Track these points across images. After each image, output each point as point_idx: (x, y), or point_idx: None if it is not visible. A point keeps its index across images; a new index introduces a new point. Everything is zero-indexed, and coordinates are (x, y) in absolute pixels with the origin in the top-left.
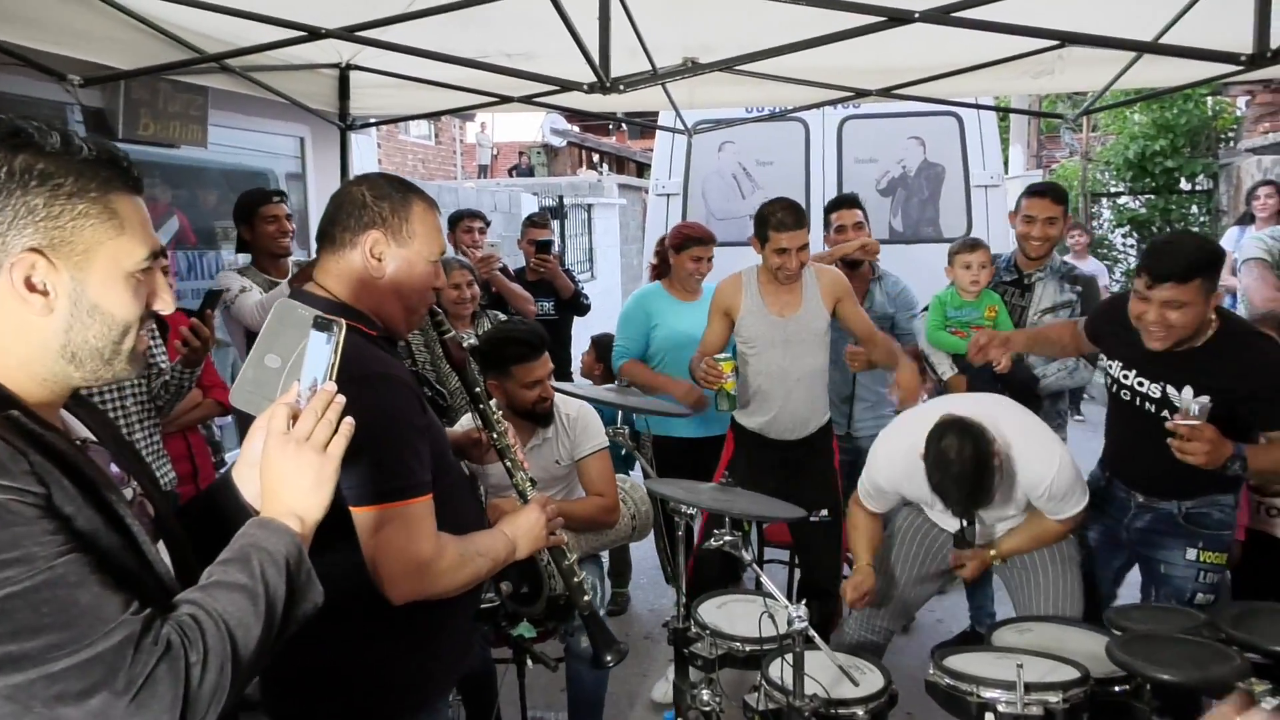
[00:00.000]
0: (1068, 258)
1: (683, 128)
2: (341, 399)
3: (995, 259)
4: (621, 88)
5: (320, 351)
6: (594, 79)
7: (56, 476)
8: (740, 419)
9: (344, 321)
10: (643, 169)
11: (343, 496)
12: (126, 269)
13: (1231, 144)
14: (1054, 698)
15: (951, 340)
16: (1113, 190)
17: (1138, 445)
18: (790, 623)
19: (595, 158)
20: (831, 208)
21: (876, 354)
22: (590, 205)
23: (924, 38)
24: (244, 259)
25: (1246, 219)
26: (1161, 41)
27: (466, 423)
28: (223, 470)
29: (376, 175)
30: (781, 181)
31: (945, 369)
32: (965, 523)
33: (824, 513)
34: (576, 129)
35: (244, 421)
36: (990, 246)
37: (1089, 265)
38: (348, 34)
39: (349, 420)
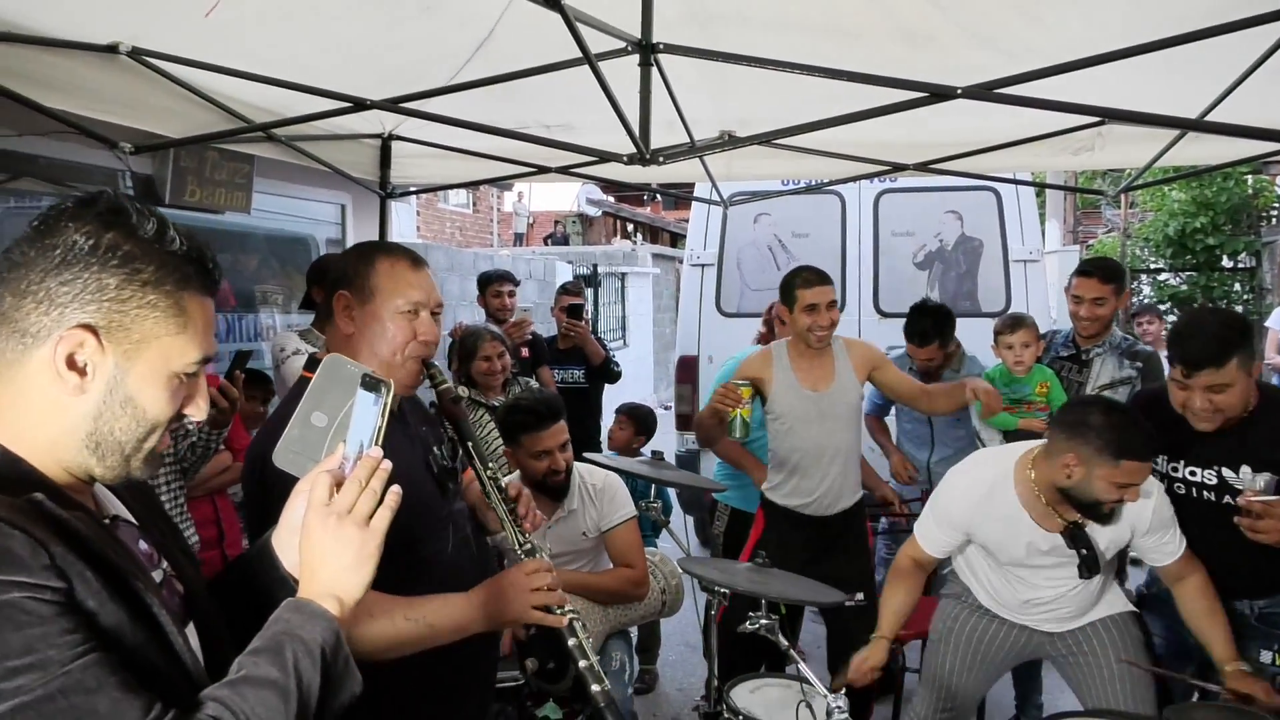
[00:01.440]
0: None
1: (719, 199)
2: (388, 465)
3: (1053, 334)
4: (661, 160)
5: (367, 413)
6: (633, 150)
7: (80, 569)
8: (773, 496)
9: (392, 382)
10: (677, 239)
11: None
12: (174, 369)
13: (1274, 222)
14: None
15: (1003, 417)
16: (1153, 267)
17: (1200, 540)
18: (830, 714)
19: (630, 227)
20: (908, 335)
21: (940, 404)
22: (624, 274)
23: (962, 113)
24: (304, 322)
25: None
26: (1207, 119)
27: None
28: (262, 537)
29: (365, 242)
30: (817, 254)
31: (996, 444)
32: (1085, 552)
33: (859, 596)
34: (611, 199)
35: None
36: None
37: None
38: (391, 105)
39: (395, 490)
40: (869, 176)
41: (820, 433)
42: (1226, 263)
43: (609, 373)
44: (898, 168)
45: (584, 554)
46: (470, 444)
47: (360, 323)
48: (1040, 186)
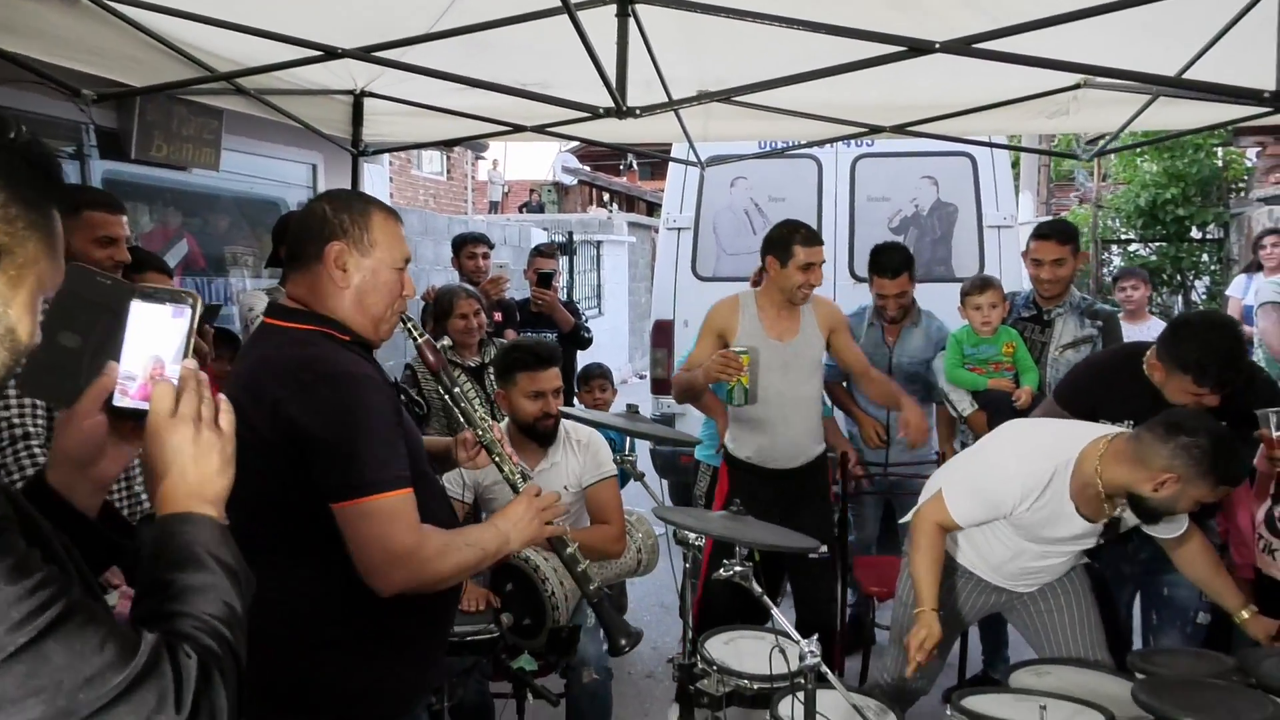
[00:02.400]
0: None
1: (696, 160)
2: (204, 377)
3: (1014, 296)
4: (638, 112)
5: (165, 328)
6: (611, 104)
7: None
8: (734, 449)
9: (198, 295)
10: (653, 208)
11: (310, 501)
12: (46, 294)
13: (1243, 194)
14: None
15: (970, 377)
16: (1123, 237)
17: None
18: (803, 658)
19: (606, 197)
20: (878, 271)
21: (872, 390)
22: (600, 242)
23: (939, 74)
24: (273, 282)
25: (1253, 267)
26: (1184, 78)
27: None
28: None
29: (337, 190)
30: (794, 218)
31: (965, 406)
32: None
33: (824, 549)
34: (588, 168)
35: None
36: (1004, 285)
37: (1153, 326)
38: (363, 54)
39: (223, 397)
40: (846, 139)
41: (784, 382)
42: (1196, 234)
43: (579, 339)
44: (874, 130)
45: (565, 508)
46: (457, 389)
47: (357, 275)
48: (1016, 149)
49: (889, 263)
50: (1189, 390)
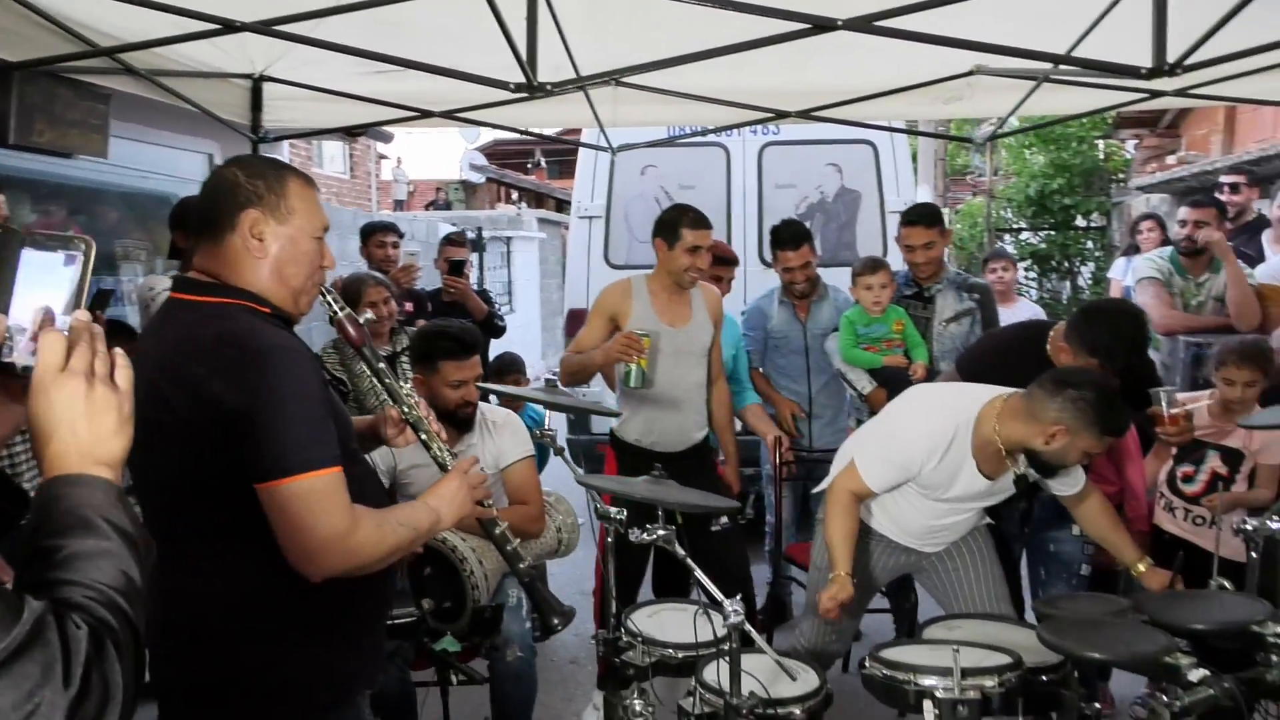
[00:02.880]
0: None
1: (606, 145)
2: (98, 329)
3: (895, 275)
4: (549, 88)
5: (53, 276)
6: (522, 79)
7: None
8: (621, 432)
9: (91, 240)
10: (562, 205)
11: (234, 484)
12: None
13: (1122, 184)
14: (990, 682)
15: (867, 356)
16: (1015, 226)
17: None
18: (726, 617)
19: (514, 195)
20: (779, 245)
21: (715, 399)
22: (509, 239)
23: (842, 59)
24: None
25: (1132, 250)
26: (1071, 55)
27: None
28: None
29: (247, 155)
30: (703, 205)
31: (864, 384)
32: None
33: (724, 521)
34: (494, 166)
35: None
36: (891, 265)
37: (1021, 308)
38: (264, 28)
39: (119, 351)
40: (753, 124)
41: (674, 368)
42: (1081, 222)
43: (493, 328)
44: (780, 115)
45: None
46: (380, 365)
47: (275, 245)
48: (915, 134)
49: (788, 235)
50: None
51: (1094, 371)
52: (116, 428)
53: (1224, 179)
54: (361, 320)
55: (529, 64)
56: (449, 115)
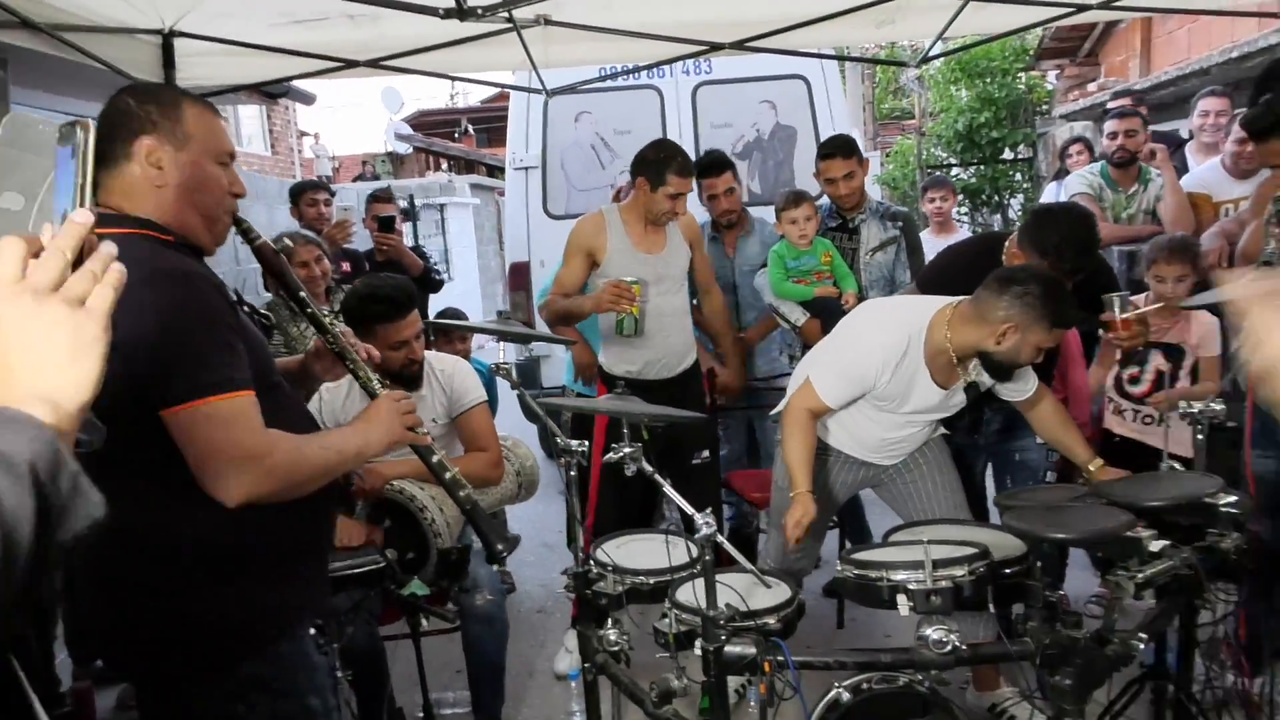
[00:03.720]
0: (926, 232)
1: (540, 87)
2: (89, 225)
3: (819, 208)
4: (480, 11)
5: (66, 173)
6: (451, 3)
7: None
8: (610, 366)
9: (89, 121)
10: (494, 172)
11: (146, 416)
12: None
13: (1046, 115)
14: (960, 571)
15: (798, 289)
16: (946, 163)
17: None
18: (698, 529)
19: (444, 164)
20: (703, 173)
21: (709, 308)
22: (443, 205)
23: None
24: None
25: (1061, 174)
26: None
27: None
28: None
29: (141, 82)
30: (668, 140)
31: (797, 316)
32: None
33: (705, 454)
34: (421, 136)
35: None
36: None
37: (960, 237)
38: None
39: (117, 267)
40: (687, 57)
41: (657, 295)
42: (1008, 155)
43: (430, 282)
44: (715, 47)
45: (436, 441)
46: (302, 293)
47: (175, 172)
48: (848, 60)
49: (709, 161)
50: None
51: (1037, 267)
52: (67, 358)
53: (1109, 122)
54: (279, 247)
55: None
56: (374, 64)
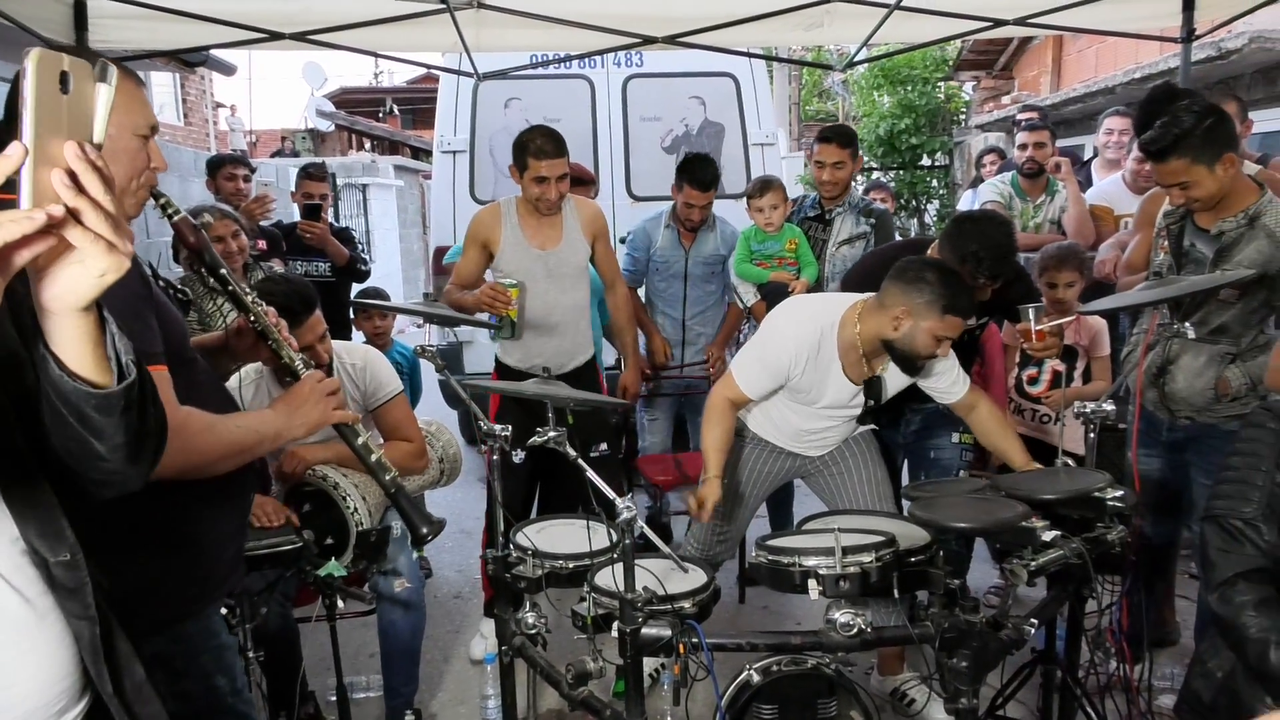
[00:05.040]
0: None
1: (471, 70)
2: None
3: (804, 199)
4: None
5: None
6: None
7: None
8: (504, 357)
9: (109, 63)
10: (419, 154)
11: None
12: None
13: (963, 124)
14: (868, 558)
15: (756, 271)
16: (867, 166)
17: None
18: (618, 514)
19: (367, 144)
20: (691, 181)
21: (613, 302)
22: (365, 186)
23: None
24: None
25: (977, 182)
26: None
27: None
28: None
29: (58, 43)
30: (570, 138)
31: (749, 297)
32: (876, 398)
33: (603, 447)
34: (344, 114)
35: None
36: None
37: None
38: None
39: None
40: (619, 49)
41: (549, 290)
42: (926, 161)
43: (356, 273)
44: (647, 40)
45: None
46: (223, 270)
47: None
48: (777, 60)
49: (704, 176)
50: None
51: (933, 258)
52: None
53: (1019, 134)
54: (198, 222)
55: None
56: (300, 37)
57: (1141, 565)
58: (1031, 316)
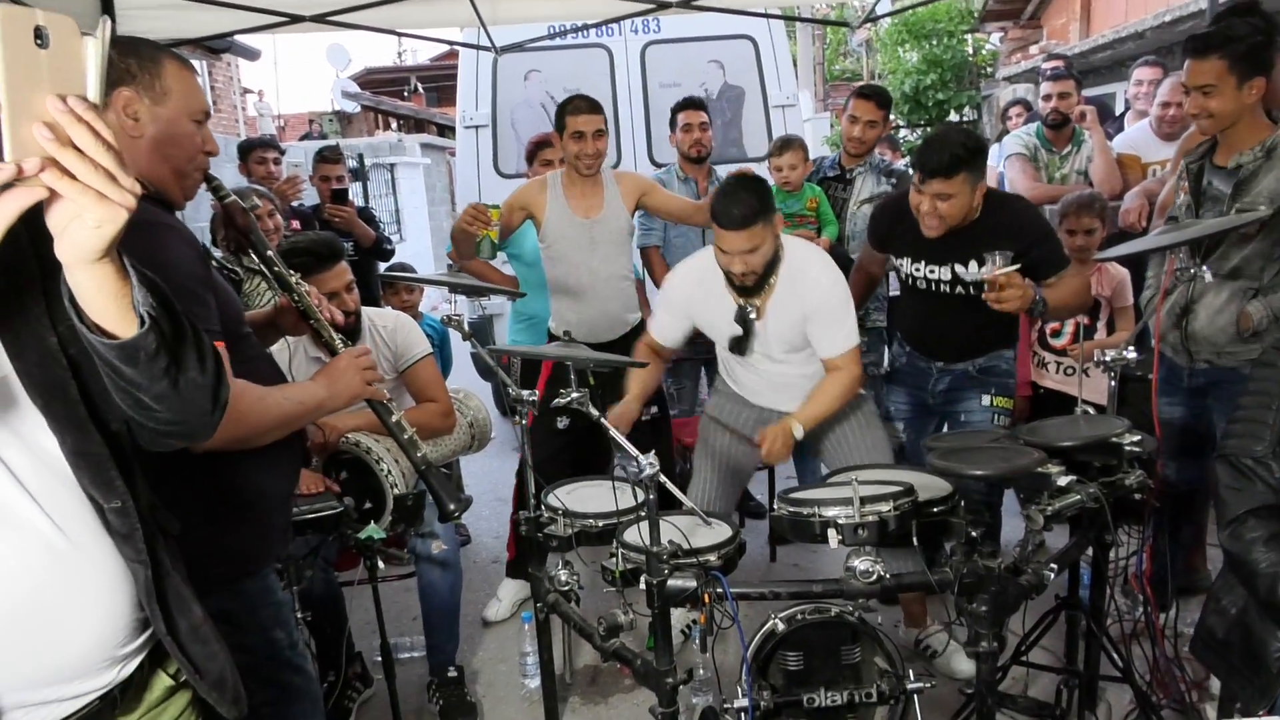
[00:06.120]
0: None
1: (490, 44)
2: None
3: (823, 159)
4: None
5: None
6: None
7: None
8: (553, 326)
9: (107, 19)
10: (444, 131)
11: None
12: None
13: (990, 77)
14: (886, 507)
15: None
16: (894, 125)
17: (934, 321)
18: (642, 469)
19: (393, 123)
20: (679, 108)
21: (701, 218)
22: (393, 165)
23: None
24: None
25: (1002, 136)
26: None
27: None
28: None
29: (120, 35)
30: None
31: None
32: (744, 331)
33: (654, 410)
34: (370, 94)
35: None
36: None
37: None
38: None
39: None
40: (636, 15)
41: (593, 258)
42: (953, 116)
43: (382, 252)
44: (663, 5)
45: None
46: (269, 252)
47: (152, 126)
48: (793, 19)
49: (686, 101)
50: (916, 189)
51: (755, 175)
52: None
53: (1043, 84)
54: (248, 206)
55: None
56: (320, 19)
57: (1165, 512)
58: (999, 262)
